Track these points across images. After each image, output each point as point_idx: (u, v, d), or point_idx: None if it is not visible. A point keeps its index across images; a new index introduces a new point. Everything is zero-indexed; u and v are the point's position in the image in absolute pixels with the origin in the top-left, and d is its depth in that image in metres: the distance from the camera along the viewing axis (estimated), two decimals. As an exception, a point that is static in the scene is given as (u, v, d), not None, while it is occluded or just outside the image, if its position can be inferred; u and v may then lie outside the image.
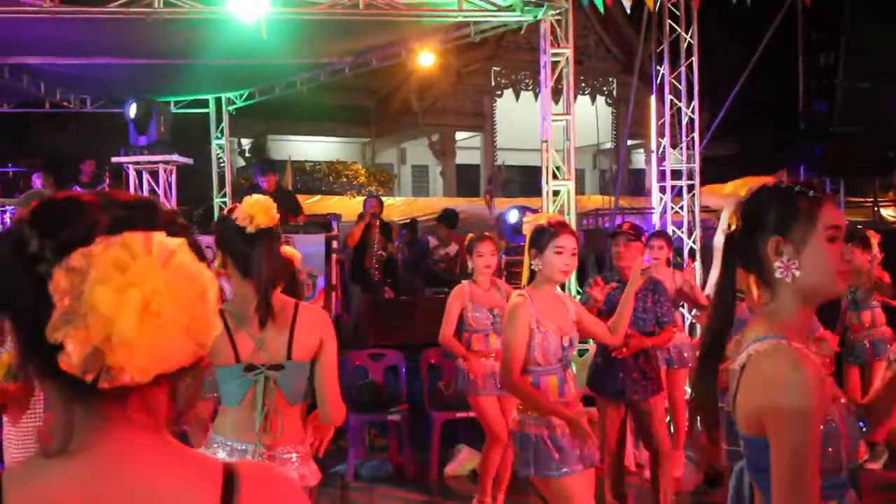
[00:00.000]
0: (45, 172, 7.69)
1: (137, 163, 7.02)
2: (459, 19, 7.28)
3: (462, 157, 21.56)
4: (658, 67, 7.75)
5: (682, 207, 7.75)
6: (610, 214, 9.87)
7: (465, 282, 5.20)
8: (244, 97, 10.34)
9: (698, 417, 2.02)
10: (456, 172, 21.36)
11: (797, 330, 1.78)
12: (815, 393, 1.64)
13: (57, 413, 0.96)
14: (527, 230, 3.63)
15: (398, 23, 7.29)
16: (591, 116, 19.88)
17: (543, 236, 3.53)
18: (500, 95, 20.77)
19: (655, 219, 7.77)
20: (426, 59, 12.32)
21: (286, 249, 3.26)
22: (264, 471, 1.12)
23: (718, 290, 1.87)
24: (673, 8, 7.72)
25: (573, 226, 7.05)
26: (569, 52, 6.86)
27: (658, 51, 7.72)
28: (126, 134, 7.24)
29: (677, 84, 7.78)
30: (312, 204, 14.81)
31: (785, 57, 8.74)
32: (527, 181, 19.48)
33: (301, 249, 7.40)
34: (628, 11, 7.33)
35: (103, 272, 0.89)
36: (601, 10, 7.21)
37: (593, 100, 21.60)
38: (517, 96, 20.52)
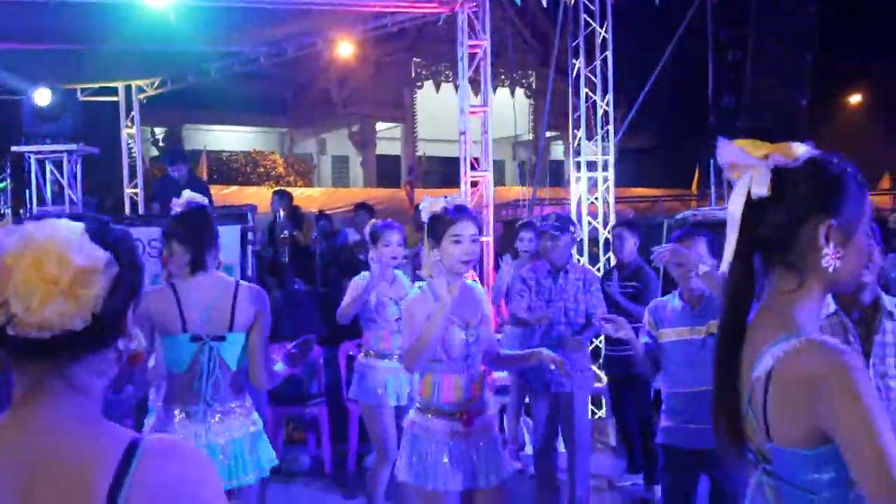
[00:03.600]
0: None
1: (40, 152, 6.74)
2: (376, 10, 7.24)
3: (382, 148, 21.49)
4: (574, 61, 7.85)
5: (597, 198, 7.87)
6: (528, 205, 9.94)
7: (364, 275, 4.79)
8: (155, 85, 10.06)
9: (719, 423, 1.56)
10: (376, 163, 21.28)
11: (815, 323, 1.57)
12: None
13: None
14: (423, 218, 3.28)
15: (313, 11, 7.19)
16: (510, 108, 20.03)
17: (439, 224, 3.18)
18: (421, 87, 20.76)
19: (573, 210, 7.87)
20: (345, 49, 12.25)
21: None
22: (169, 446, 1.20)
23: (734, 272, 1.59)
24: (588, 3, 7.82)
25: (490, 217, 7.16)
26: (486, 44, 6.90)
27: (574, 45, 7.82)
28: (30, 122, 6.93)
29: (593, 77, 7.89)
30: (229, 194, 14.56)
31: (698, 52, 8.92)
32: (448, 172, 19.54)
33: (215, 241, 7.33)
34: (544, 4, 7.39)
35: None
36: (517, 1, 7.26)
37: (512, 92, 21.78)
38: (437, 88, 20.53)
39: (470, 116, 7.03)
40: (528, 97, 22.25)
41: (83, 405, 1.19)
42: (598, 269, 7.30)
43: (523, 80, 22.28)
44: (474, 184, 7.00)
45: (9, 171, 8.68)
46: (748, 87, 8.26)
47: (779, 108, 8.48)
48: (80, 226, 1.17)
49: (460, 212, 3.20)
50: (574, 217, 7.98)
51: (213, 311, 3.07)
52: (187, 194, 3.20)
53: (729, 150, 1.58)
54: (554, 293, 4.88)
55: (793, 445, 1.48)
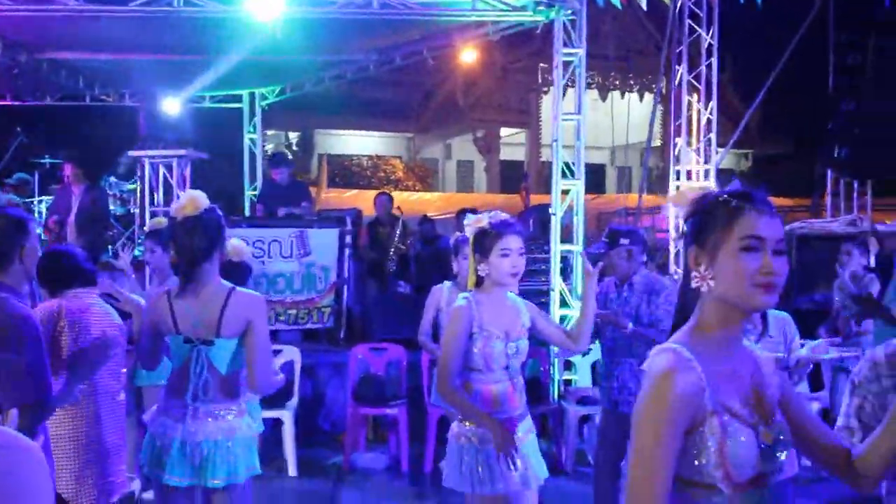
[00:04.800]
0: (75, 164, 7.97)
1: (153, 156, 7.25)
2: (473, 19, 7.32)
3: (507, 153, 21.56)
4: (677, 67, 7.67)
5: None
6: (635, 214, 9.78)
7: (445, 285, 4.91)
8: (276, 93, 10.54)
9: None
10: (500, 168, 21.37)
11: (713, 340, 1.74)
12: (674, 398, 1.64)
13: None
14: (469, 233, 3.41)
15: (414, 21, 7.36)
16: (639, 114, 19.69)
17: (487, 239, 3.31)
18: (546, 92, 20.68)
19: (671, 220, 7.69)
20: (469, 55, 12.37)
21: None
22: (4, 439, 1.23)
23: (679, 293, 1.86)
24: (694, 7, 7.63)
25: (580, 227, 7.09)
26: (581, 52, 6.86)
27: (678, 51, 7.64)
28: (148, 128, 7.46)
29: (697, 84, 7.69)
30: (350, 198, 15.02)
31: (815, 57, 8.55)
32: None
33: (314, 242, 7.64)
34: (644, 8, 7.27)
35: None
36: (618, 5, 7.18)
37: (641, 97, 21.38)
38: (563, 93, 20.34)
39: (562, 123, 6.99)
40: (658, 102, 21.72)
41: None
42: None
43: (653, 86, 21.79)
44: (565, 192, 6.95)
45: (138, 173, 9.34)
46: (867, 93, 7.83)
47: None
48: None
49: (506, 226, 3.34)
50: (672, 227, 7.81)
51: (202, 316, 3.10)
52: (186, 198, 3.17)
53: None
54: (617, 306, 4.80)
55: None
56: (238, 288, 3.19)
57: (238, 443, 3.13)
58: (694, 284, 1.74)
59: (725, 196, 1.75)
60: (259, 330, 3.11)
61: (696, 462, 1.65)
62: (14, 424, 2.47)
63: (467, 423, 3.30)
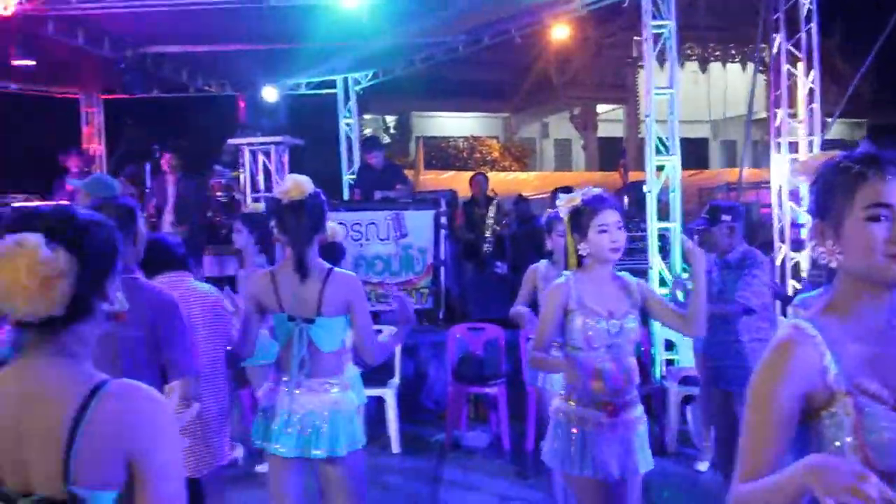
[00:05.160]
0: (172, 154, 8.34)
1: (251, 144, 7.48)
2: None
3: (605, 130, 21.22)
4: (775, 35, 7.38)
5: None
6: (737, 189, 9.49)
7: (542, 263, 4.78)
8: (369, 78, 10.68)
9: None
10: (599, 145, 21.06)
11: (850, 318, 1.64)
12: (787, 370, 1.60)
13: (16, 341, 1.60)
14: (563, 214, 3.35)
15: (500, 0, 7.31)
16: (744, 84, 19.05)
17: (582, 217, 3.24)
18: (643, 66, 20.23)
19: (773, 195, 7.44)
20: (562, 31, 12.20)
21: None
22: (124, 389, 1.57)
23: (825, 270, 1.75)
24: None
25: (676, 203, 6.93)
26: (671, 23, 6.69)
27: (775, 18, 7.35)
28: (249, 117, 7.69)
29: (797, 52, 7.38)
30: (447, 179, 15.10)
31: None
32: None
33: (411, 224, 7.73)
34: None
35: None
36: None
37: (744, 67, 20.65)
38: (661, 66, 19.89)
39: (654, 98, 6.83)
40: (761, 72, 20.96)
41: (64, 359, 1.58)
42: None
43: (756, 55, 21.01)
44: (659, 168, 6.81)
45: (241, 160, 9.65)
46: None
47: None
48: (38, 237, 1.51)
49: (601, 202, 3.25)
50: (775, 201, 7.55)
51: (304, 295, 3.23)
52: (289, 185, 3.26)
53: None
54: (713, 284, 4.70)
55: None
56: (336, 268, 3.30)
57: (341, 416, 3.24)
58: (822, 260, 1.65)
59: (846, 161, 1.62)
60: (360, 308, 3.25)
61: (832, 447, 1.58)
62: (176, 395, 2.64)
63: (571, 402, 3.24)
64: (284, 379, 3.28)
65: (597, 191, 3.35)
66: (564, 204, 3.33)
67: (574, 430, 3.21)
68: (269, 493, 3.36)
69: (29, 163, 9.94)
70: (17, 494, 1.54)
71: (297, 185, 3.22)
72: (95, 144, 11.35)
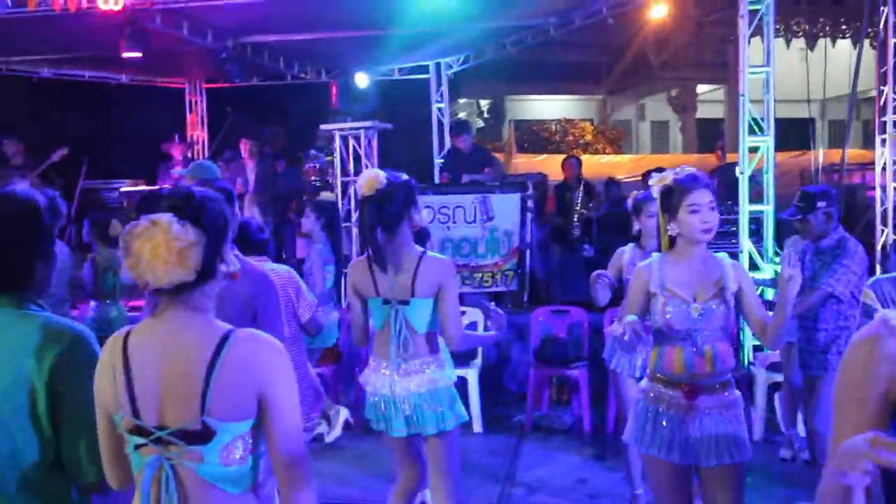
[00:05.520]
0: (254, 140, 8.70)
1: (342, 129, 7.67)
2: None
3: (704, 111, 20.67)
4: (883, 7, 7.06)
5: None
6: (839, 171, 9.12)
7: (629, 246, 4.73)
8: (460, 62, 10.73)
9: None
10: (697, 127, 20.54)
11: None
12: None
13: (152, 303, 1.89)
14: (655, 193, 3.28)
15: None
16: (851, 61, 18.20)
17: (673, 196, 3.16)
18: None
19: (877, 175, 7.14)
20: (659, 10, 11.93)
21: None
22: (250, 336, 1.87)
23: None
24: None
25: (770, 186, 6.74)
26: (769, 0, 6.48)
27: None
28: (340, 102, 7.88)
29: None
30: (539, 163, 15.05)
31: None
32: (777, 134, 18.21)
33: (497, 207, 7.79)
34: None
35: (133, 235, 1.77)
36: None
37: (855, 43, 19.70)
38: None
39: (749, 77, 6.65)
40: (873, 48, 19.98)
41: (196, 313, 1.86)
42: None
43: (869, 30, 20.03)
44: (753, 149, 6.63)
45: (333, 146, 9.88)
46: None
47: None
48: (168, 216, 1.77)
49: (694, 181, 3.17)
50: (878, 183, 7.27)
51: (398, 278, 3.38)
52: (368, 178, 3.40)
53: None
54: (805, 269, 4.58)
55: None
56: (428, 252, 3.44)
57: (441, 393, 3.40)
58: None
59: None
60: (450, 290, 3.37)
61: None
62: None
63: (657, 382, 3.21)
64: (384, 363, 3.44)
65: (690, 170, 3.27)
66: (656, 182, 3.27)
67: (650, 407, 3.20)
68: (395, 469, 3.65)
69: (135, 150, 10.45)
70: (155, 428, 1.79)
71: (368, 180, 3.37)
72: (198, 132, 11.84)
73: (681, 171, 3.25)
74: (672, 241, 3.23)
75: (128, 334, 1.88)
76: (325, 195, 5.44)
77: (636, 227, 4.64)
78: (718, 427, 3.13)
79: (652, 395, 3.22)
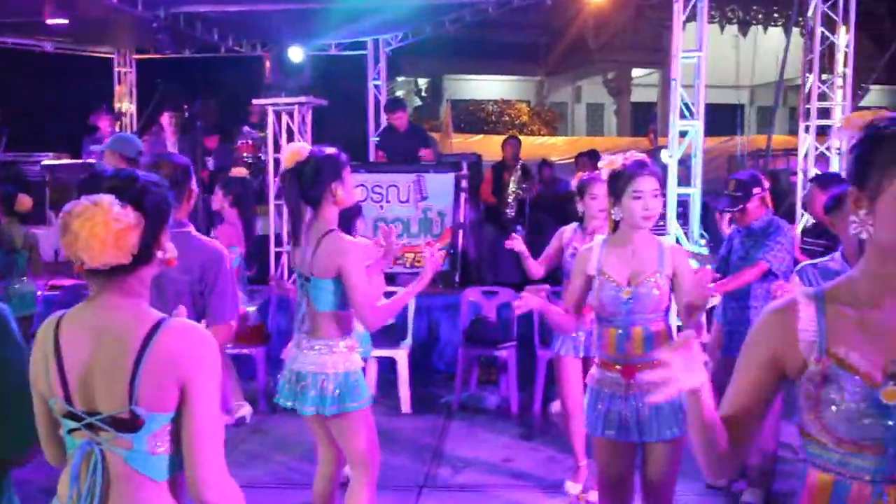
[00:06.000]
0: (176, 113, 8.47)
1: (276, 104, 7.54)
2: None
3: (639, 95, 20.93)
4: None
5: (827, 148, 7.24)
6: (765, 156, 9.33)
7: (572, 226, 4.80)
8: (399, 39, 10.64)
9: None
10: (632, 110, 20.80)
11: (863, 290, 1.53)
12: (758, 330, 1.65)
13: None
14: (604, 176, 3.32)
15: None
16: (781, 49, 18.60)
17: (620, 181, 3.20)
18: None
19: (799, 161, 7.33)
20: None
21: None
22: (185, 325, 1.86)
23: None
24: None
25: (698, 169, 6.87)
26: (702, -16, 6.57)
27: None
28: (273, 77, 7.73)
29: (833, 14, 7.22)
30: (475, 143, 15.03)
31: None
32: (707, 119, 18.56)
33: (432, 187, 7.76)
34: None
35: (73, 214, 1.75)
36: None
37: (787, 31, 20.15)
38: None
39: (682, 62, 6.75)
40: (802, 36, 20.46)
41: (128, 298, 1.85)
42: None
43: (800, 19, 20.49)
44: (683, 133, 6.74)
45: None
46: None
47: None
48: (110, 197, 1.76)
49: (640, 167, 3.21)
50: (800, 168, 7.46)
51: (305, 254, 3.38)
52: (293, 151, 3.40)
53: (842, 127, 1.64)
54: (735, 252, 4.69)
55: None
56: (334, 232, 3.33)
57: (339, 376, 3.30)
58: (852, 231, 1.50)
59: (893, 127, 1.46)
60: (349, 272, 3.24)
61: (808, 416, 1.55)
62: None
63: (600, 366, 3.29)
64: (295, 339, 3.45)
65: (639, 156, 3.31)
66: (605, 166, 3.31)
67: (594, 389, 3.28)
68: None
69: (60, 121, 10.11)
70: (85, 413, 1.80)
71: (291, 153, 3.35)
72: (126, 104, 11.50)
73: (631, 156, 3.29)
74: (616, 225, 3.29)
75: (60, 319, 1.88)
76: (236, 171, 5.35)
77: (580, 208, 4.68)
78: (656, 404, 3.16)
79: (597, 377, 3.30)
